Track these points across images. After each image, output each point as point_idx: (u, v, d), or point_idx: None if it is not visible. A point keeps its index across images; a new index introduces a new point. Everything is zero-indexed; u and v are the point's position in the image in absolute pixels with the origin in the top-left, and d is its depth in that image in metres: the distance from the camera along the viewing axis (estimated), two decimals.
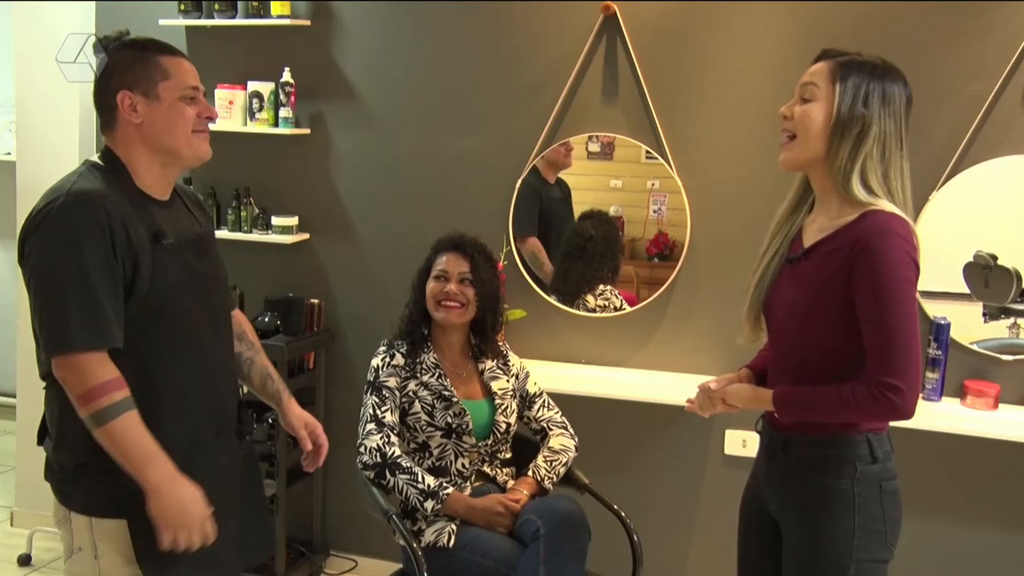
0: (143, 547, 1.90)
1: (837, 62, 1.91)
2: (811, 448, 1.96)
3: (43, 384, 1.95)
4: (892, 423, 1.96)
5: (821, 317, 1.90)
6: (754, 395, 2.05)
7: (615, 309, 3.32)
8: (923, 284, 2.92)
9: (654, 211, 3.27)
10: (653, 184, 3.25)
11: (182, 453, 1.92)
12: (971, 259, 2.92)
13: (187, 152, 1.97)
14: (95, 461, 1.86)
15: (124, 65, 1.93)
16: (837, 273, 1.87)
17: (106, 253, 1.81)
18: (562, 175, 3.34)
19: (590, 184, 3.34)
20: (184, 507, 1.84)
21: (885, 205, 1.87)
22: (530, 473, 2.71)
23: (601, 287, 3.34)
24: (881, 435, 1.94)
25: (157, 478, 1.82)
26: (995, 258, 2.89)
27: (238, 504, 2.17)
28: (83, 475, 1.90)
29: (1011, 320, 2.94)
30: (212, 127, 2.06)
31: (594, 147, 3.30)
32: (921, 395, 3.00)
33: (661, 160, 3.18)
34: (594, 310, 3.33)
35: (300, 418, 2.23)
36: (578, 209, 3.35)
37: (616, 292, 3.33)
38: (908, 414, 1.83)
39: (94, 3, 3.69)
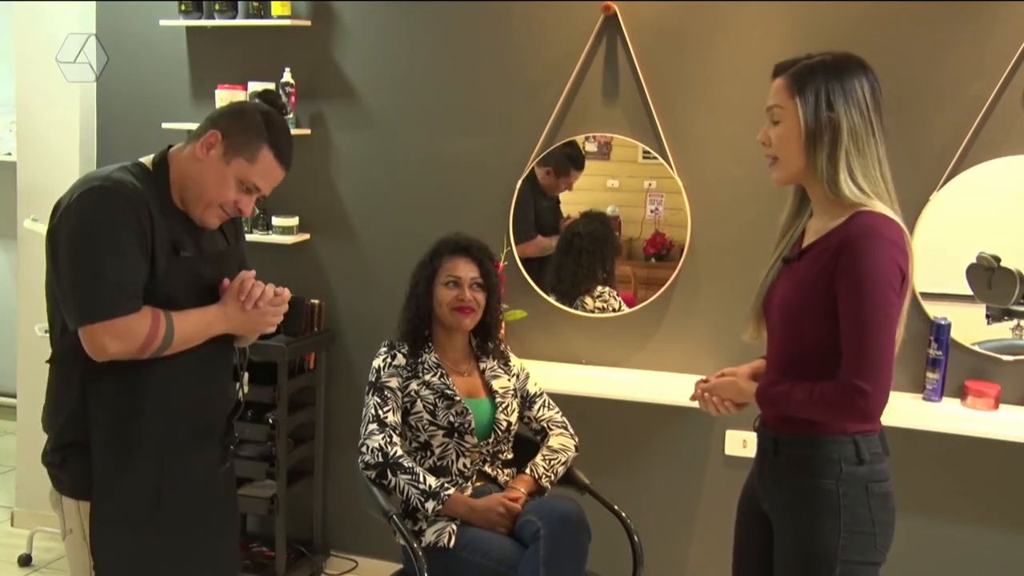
0: (101, 531, 1.97)
1: (790, 75, 1.92)
2: (799, 448, 1.96)
3: (47, 371, 2.02)
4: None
5: (808, 316, 1.92)
6: (738, 388, 2.08)
7: (613, 311, 3.32)
8: (923, 285, 2.97)
9: (651, 211, 3.26)
10: (650, 184, 3.25)
11: (156, 451, 2.00)
12: (973, 261, 2.91)
13: (196, 211, 2.03)
14: (80, 440, 1.95)
15: (245, 122, 2.02)
16: (824, 272, 1.88)
17: (138, 233, 1.90)
18: None
19: (587, 184, 3.33)
20: (247, 315, 2.05)
21: (876, 205, 1.88)
22: (528, 471, 2.71)
23: (599, 289, 3.34)
24: (870, 437, 1.93)
25: (218, 319, 2.03)
26: (998, 260, 2.88)
27: (221, 518, 2.19)
28: (69, 458, 1.97)
29: (1014, 322, 2.93)
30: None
31: (591, 147, 3.30)
32: (921, 395, 3.00)
33: (659, 160, 3.18)
34: (592, 311, 3.33)
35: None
36: (573, 209, 3.36)
37: (615, 294, 3.32)
38: (873, 417, 1.86)
39: (94, 3, 3.69)
